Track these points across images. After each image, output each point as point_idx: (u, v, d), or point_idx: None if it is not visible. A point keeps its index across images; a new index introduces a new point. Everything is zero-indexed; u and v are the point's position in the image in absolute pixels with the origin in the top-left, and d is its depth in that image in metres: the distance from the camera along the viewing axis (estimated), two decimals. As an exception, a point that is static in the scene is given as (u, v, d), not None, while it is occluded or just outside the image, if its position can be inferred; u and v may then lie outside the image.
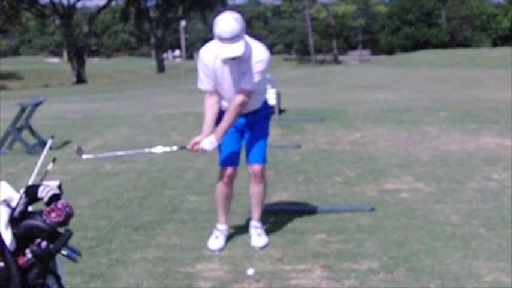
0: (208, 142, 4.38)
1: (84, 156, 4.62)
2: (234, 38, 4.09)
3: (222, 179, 4.64)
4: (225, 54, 4.15)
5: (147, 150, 4.87)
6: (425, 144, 8.74)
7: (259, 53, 4.33)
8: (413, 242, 4.58)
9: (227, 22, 4.12)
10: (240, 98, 4.35)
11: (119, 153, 5.12)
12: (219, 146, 4.55)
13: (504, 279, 3.90)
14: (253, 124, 4.59)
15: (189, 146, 4.46)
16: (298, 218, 5.19)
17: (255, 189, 4.69)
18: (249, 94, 4.35)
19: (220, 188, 4.67)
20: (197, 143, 4.42)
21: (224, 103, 4.48)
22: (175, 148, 4.70)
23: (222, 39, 4.11)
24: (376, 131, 10.01)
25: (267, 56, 4.36)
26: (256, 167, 4.62)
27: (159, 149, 4.70)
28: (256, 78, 4.33)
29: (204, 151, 4.44)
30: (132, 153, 4.80)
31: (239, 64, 4.27)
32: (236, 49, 4.11)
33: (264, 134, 4.66)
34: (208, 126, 4.44)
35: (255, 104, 4.53)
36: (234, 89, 4.37)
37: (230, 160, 4.60)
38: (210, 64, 4.36)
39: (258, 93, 4.48)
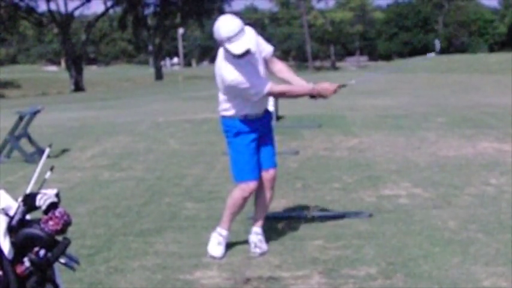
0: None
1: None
2: (240, 32, 4.13)
3: (244, 192, 4.47)
4: (240, 49, 4.13)
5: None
6: (423, 149, 8.75)
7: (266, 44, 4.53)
8: (412, 248, 4.58)
9: (228, 20, 4.18)
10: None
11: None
12: (237, 159, 4.46)
13: (502, 284, 3.90)
14: (266, 127, 4.58)
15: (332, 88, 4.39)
16: (296, 224, 5.19)
17: (267, 194, 4.63)
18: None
19: (241, 201, 4.51)
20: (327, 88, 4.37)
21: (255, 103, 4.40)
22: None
23: (231, 38, 4.11)
24: (374, 137, 10.02)
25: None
26: (272, 171, 4.59)
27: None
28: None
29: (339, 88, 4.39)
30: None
31: (256, 53, 4.32)
32: (247, 40, 4.15)
33: (273, 137, 4.68)
34: (298, 81, 4.54)
35: (265, 103, 4.55)
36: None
37: (255, 173, 4.48)
38: (241, 61, 4.27)
39: None
